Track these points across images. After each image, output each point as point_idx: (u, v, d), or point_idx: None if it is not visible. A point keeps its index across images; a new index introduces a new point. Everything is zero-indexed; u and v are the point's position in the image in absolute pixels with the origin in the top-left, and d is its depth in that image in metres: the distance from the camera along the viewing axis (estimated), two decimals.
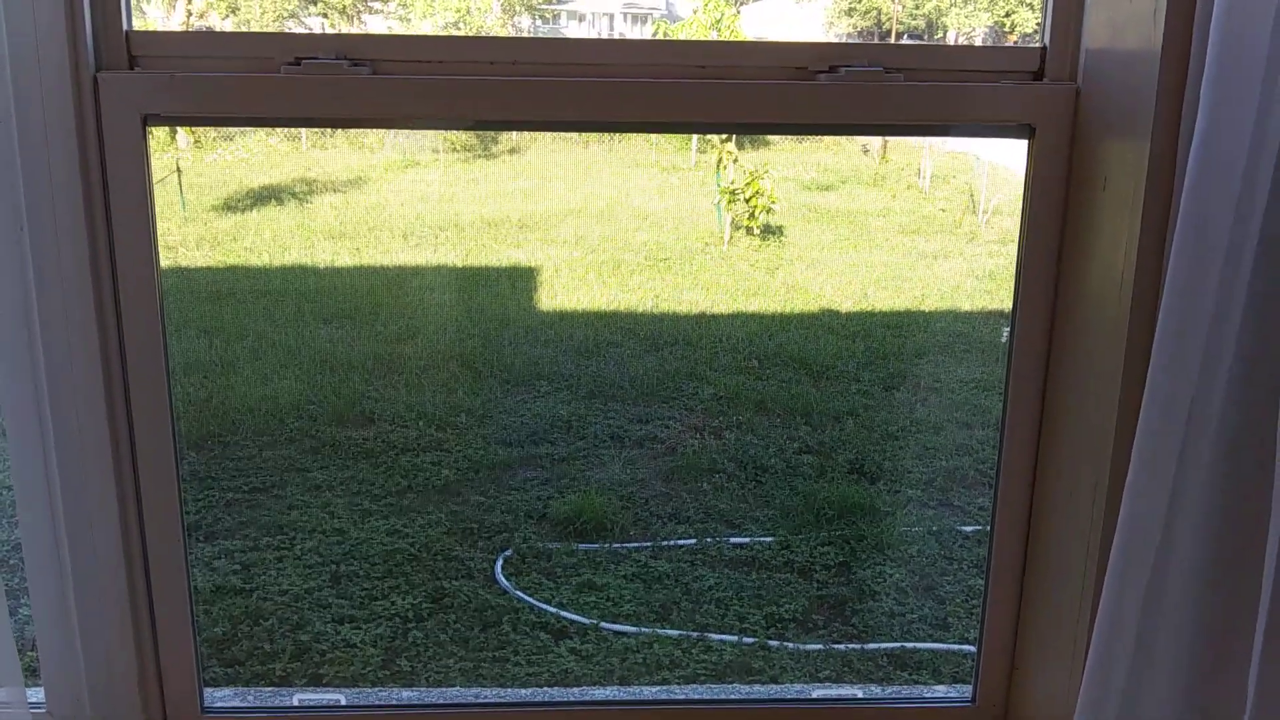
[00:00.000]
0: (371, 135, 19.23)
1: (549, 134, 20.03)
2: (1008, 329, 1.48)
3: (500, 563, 3.90)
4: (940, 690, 1.86)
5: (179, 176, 15.10)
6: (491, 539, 4.10)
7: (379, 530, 4.10)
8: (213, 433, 4.93)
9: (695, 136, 19.66)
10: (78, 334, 1.29)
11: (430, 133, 18.79)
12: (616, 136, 19.65)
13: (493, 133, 20.75)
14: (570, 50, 1.25)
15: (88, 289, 1.27)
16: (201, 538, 4.01)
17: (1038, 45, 1.36)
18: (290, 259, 7.38)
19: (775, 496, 4.44)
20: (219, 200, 8.17)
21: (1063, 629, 1.44)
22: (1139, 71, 1.18)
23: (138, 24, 1.22)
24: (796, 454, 4.84)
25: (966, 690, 1.70)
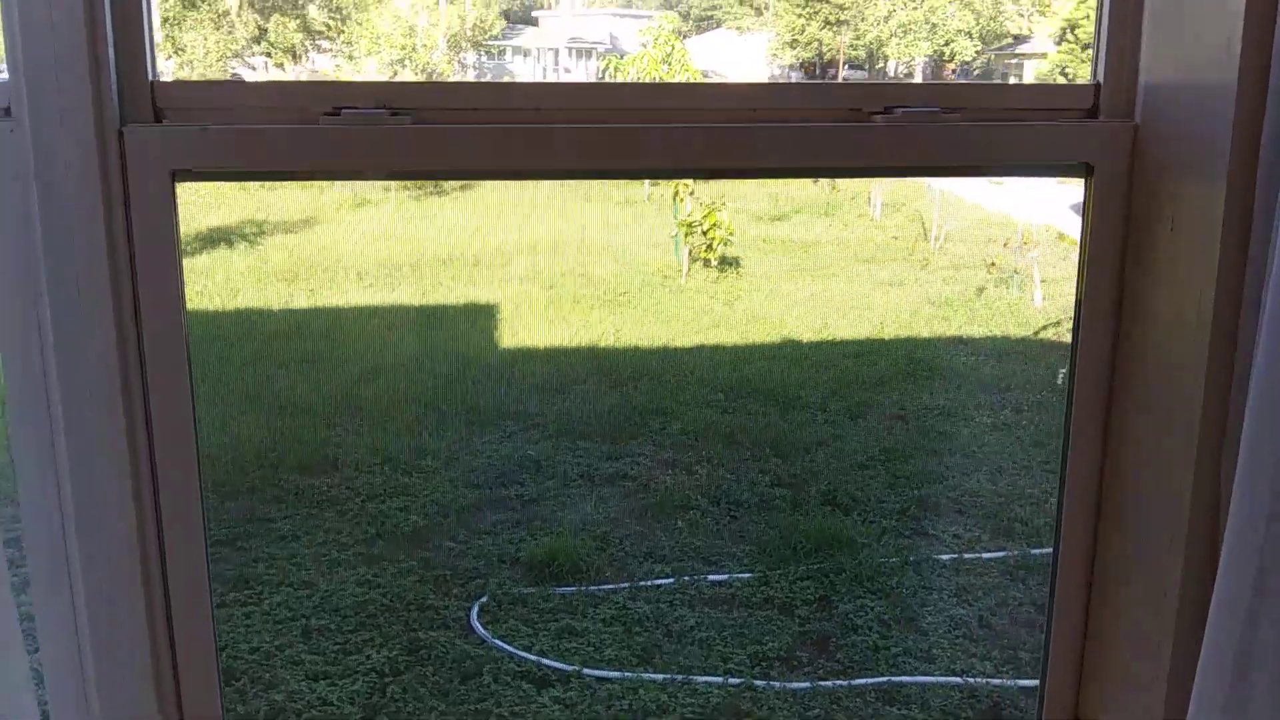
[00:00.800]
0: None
1: None
2: (1064, 370, 1.46)
3: (476, 610, 3.82)
4: None
5: None
6: (465, 586, 4.02)
7: (349, 581, 4.00)
8: None
9: None
10: (104, 408, 1.22)
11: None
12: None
13: None
14: (617, 95, 1.21)
15: (113, 357, 1.20)
16: None
17: (1091, 82, 1.34)
18: (244, 302, 7.27)
19: (751, 531, 4.40)
20: None
21: (1136, 672, 1.40)
22: (1209, 107, 1.16)
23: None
24: (769, 487, 4.81)
25: None
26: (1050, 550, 4.22)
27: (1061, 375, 5.72)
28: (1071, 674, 1.54)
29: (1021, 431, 5.46)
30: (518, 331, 6.90)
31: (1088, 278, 1.35)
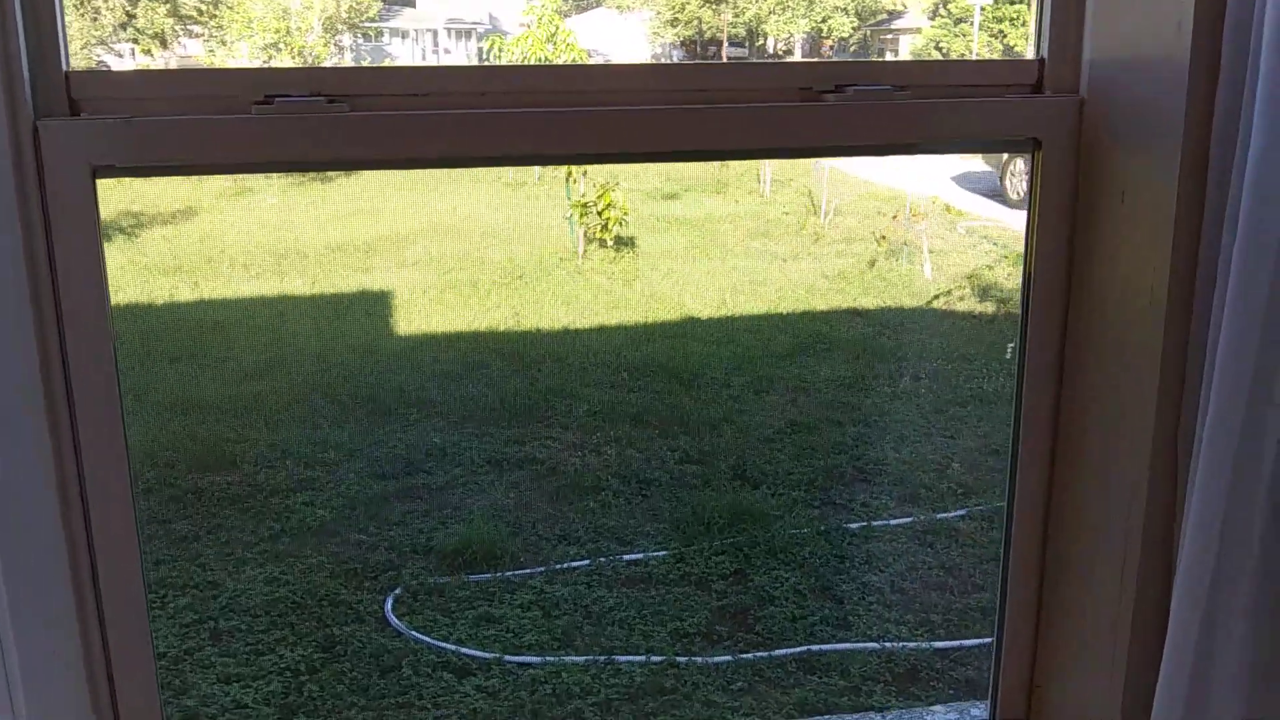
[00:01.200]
0: None
1: None
2: (1013, 344, 1.48)
3: (390, 602, 3.76)
4: (953, 711, 1.84)
5: None
6: (378, 579, 3.95)
7: (256, 580, 3.90)
8: None
9: None
10: (28, 410, 1.15)
11: None
12: None
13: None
14: (566, 78, 1.17)
15: (34, 361, 1.12)
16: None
17: (1034, 58, 1.35)
18: (125, 298, 6.99)
19: (663, 509, 4.42)
20: None
21: (1093, 644, 1.42)
22: (1161, 82, 1.17)
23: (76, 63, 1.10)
24: (679, 464, 4.83)
25: (984, 708, 1.67)
26: (955, 514, 4.32)
27: (1011, 350, 5.86)
28: (1028, 639, 1.56)
29: (920, 399, 5.58)
30: (414, 318, 6.79)
31: (1037, 253, 1.37)
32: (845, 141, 1.26)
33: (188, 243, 8.83)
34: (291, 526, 4.30)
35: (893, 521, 4.33)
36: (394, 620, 3.66)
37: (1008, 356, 6.12)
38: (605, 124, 1.15)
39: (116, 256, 7.81)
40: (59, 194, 1.08)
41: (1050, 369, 1.43)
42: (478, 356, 6.34)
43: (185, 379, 5.71)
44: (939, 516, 4.38)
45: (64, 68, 1.09)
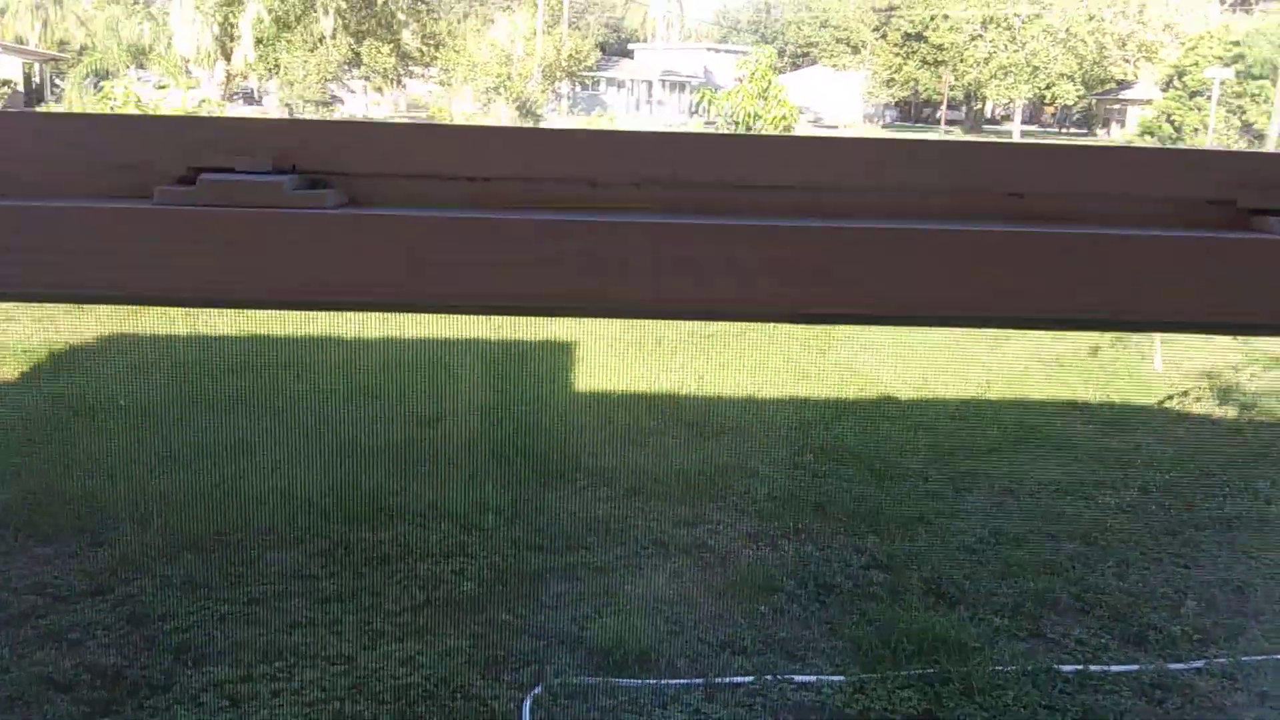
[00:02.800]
0: None
1: None
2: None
3: (529, 704, 3.38)
4: None
5: None
6: (518, 671, 3.58)
7: (391, 658, 3.59)
8: (218, 528, 4.47)
9: None
10: None
11: None
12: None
13: None
14: (755, 152, 0.72)
15: None
16: (189, 662, 3.52)
17: None
18: (315, 328, 6.95)
19: (843, 624, 3.90)
20: None
21: None
22: None
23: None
24: (863, 569, 4.30)
25: None
26: (1191, 666, 3.62)
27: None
28: None
29: (1150, 517, 4.87)
30: (594, 373, 6.48)
31: None
32: None
33: None
34: (438, 598, 4.00)
35: (1114, 668, 3.68)
36: None
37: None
38: (823, 244, 0.68)
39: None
40: None
41: None
42: (655, 421, 5.97)
43: (359, 420, 5.56)
44: (1171, 668, 3.70)
45: None
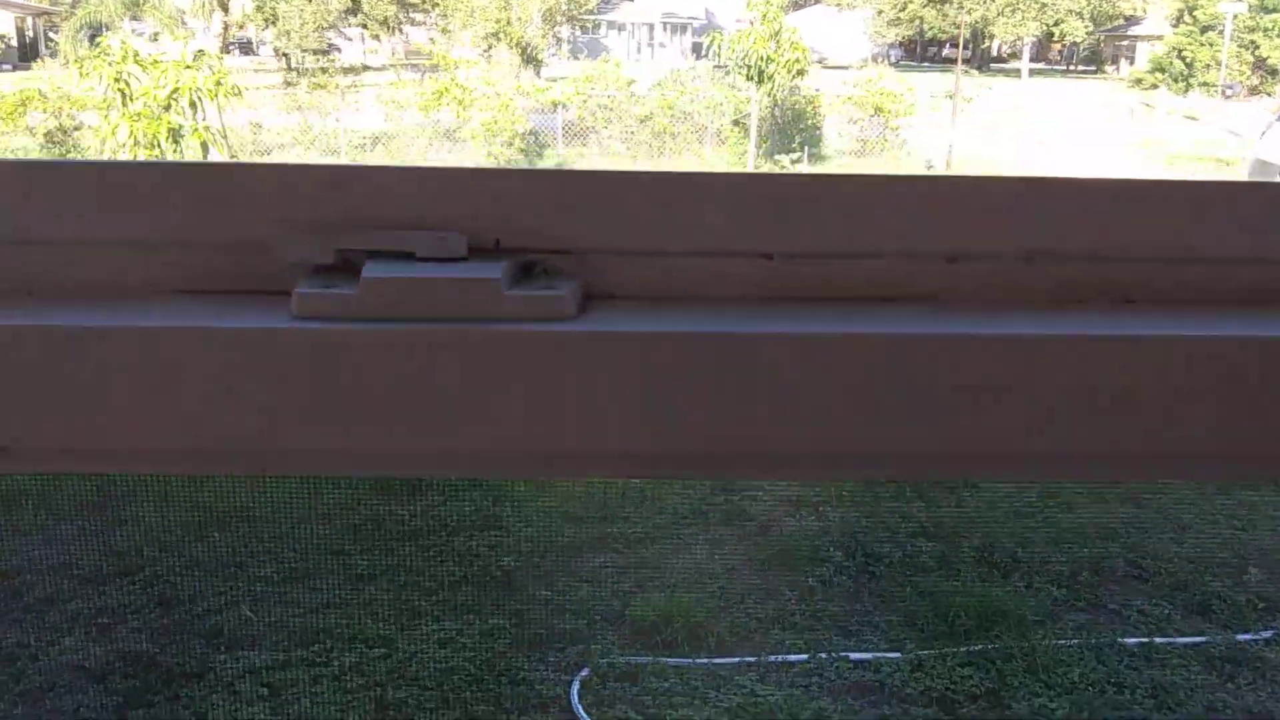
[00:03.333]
0: (414, 150, 18.72)
1: (597, 148, 19.35)
2: None
3: (577, 686, 3.26)
4: None
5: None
6: (564, 651, 3.46)
7: (430, 640, 3.46)
8: (244, 505, 4.32)
9: (750, 150, 19.02)
10: None
11: (473, 147, 18.21)
12: (667, 150, 19.04)
13: (536, 147, 20.18)
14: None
15: None
16: (223, 646, 3.40)
17: None
18: None
19: (894, 596, 3.77)
20: None
21: None
22: None
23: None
24: (910, 537, 4.16)
25: None
26: (1260, 636, 3.50)
27: None
28: None
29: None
30: None
31: None
32: None
33: None
34: (474, 574, 3.87)
35: (1180, 640, 3.55)
36: (580, 712, 3.16)
37: None
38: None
39: None
40: None
41: None
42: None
43: None
44: (1240, 639, 3.57)
45: None
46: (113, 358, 0.44)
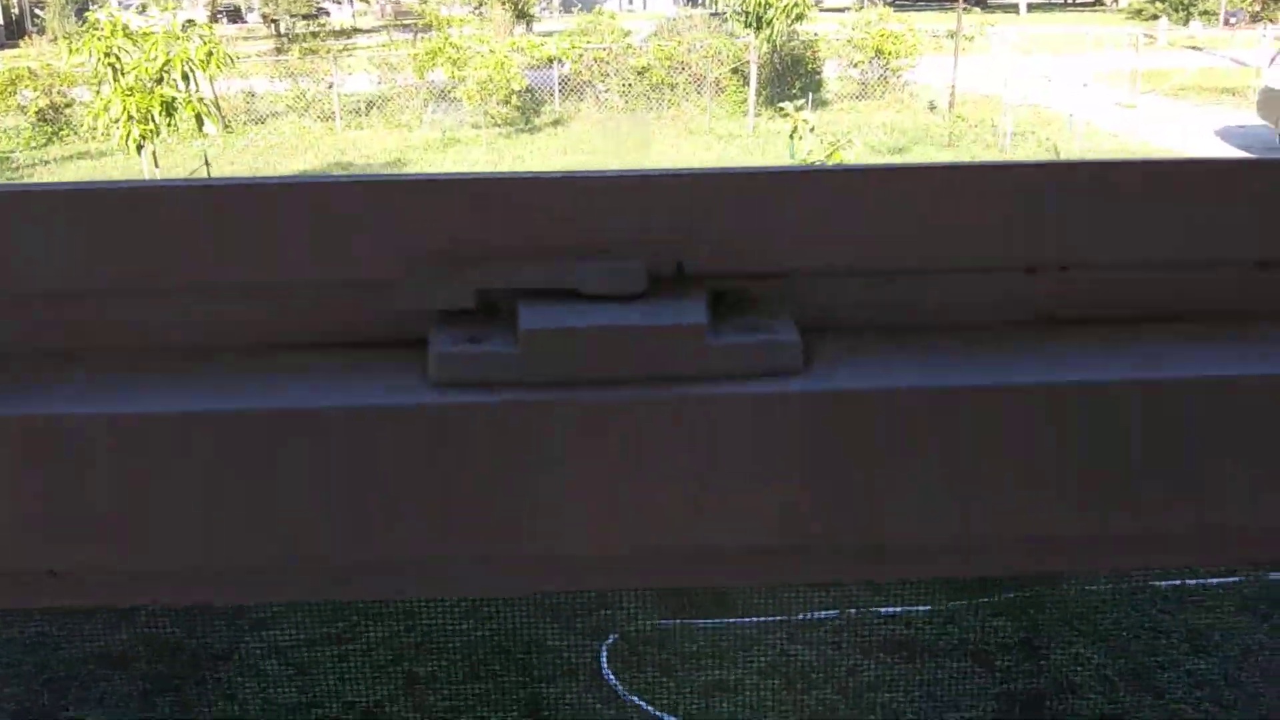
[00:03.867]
0: (408, 112, 18.47)
1: (594, 102, 19.09)
2: None
3: (605, 653, 3.23)
4: None
5: (207, 169, 14.48)
6: (590, 616, 3.42)
7: (456, 612, 3.43)
8: None
9: (751, 98, 18.76)
10: None
11: (468, 107, 17.98)
12: (666, 102, 18.78)
13: (532, 104, 19.80)
14: None
15: None
16: (248, 625, 3.37)
17: None
18: None
19: None
20: None
21: None
22: None
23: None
24: None
25: None
26: None
27: None
28: None
29: None
30: None
31: None
32: None
33: None
34: None
35: (1213, 581, 3.51)
36: (611, 678, 3.13)
37: None
38: None
39: None
40: None
41: None
42: None
43: None
44: (1272, 577, 3.53)
45: None
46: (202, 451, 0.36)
